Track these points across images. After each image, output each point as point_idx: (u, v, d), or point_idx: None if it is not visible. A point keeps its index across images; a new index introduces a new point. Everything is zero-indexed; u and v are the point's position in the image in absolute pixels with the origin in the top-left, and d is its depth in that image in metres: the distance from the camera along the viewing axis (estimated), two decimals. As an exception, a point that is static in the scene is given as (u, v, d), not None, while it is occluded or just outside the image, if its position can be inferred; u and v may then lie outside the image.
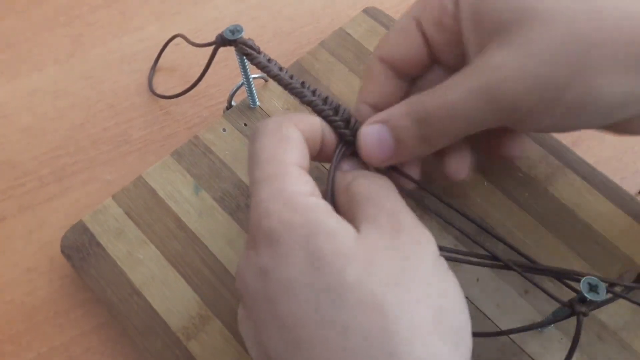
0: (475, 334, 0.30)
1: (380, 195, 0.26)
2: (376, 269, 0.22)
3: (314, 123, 0.28)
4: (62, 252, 0.36)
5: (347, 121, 0.30)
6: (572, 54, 0.24)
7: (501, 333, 0.32)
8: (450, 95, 0.26)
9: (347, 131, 0.29)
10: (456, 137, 0.28)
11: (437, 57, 0.31)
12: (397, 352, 0.21)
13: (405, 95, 0.32)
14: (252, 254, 0.24)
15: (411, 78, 0.32)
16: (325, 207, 0.25)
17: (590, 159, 0.38)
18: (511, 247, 0.30)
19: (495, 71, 0.25)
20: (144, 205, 0.37)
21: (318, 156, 0.29)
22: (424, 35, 0.30)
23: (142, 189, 0.38)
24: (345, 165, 0.29)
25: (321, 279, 0.22)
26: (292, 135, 0.27)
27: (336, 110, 0.30)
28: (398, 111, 0.28)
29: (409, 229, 0.24)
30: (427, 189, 0.30)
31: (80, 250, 0.36)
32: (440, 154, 0.31)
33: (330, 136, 0.29)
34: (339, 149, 0.29)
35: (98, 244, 0.36)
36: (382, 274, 0.22)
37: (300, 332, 0.22)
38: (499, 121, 0.26)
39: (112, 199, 0.37)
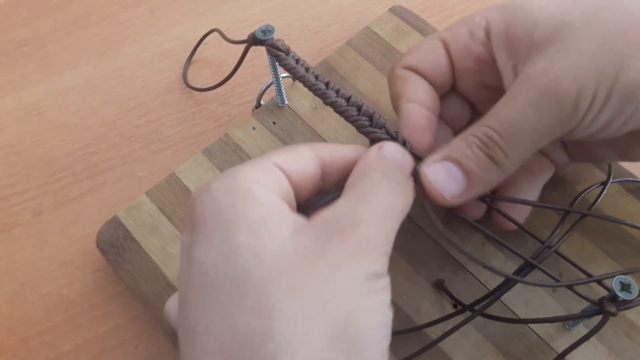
0: (498, 318, 0.31)
1: (366, 197, 0.25)
2: (283, 275, 0.22)
3: (346, 149, 0.28)
4: (98, 246, 0.37)
5: (370, 118, 0.30)
6: (615, 45, 0.25)
7: (522, 321, 0.32)
8: (510, 111, 0.26)
9: (372, 129, 0.30)
10: (525, 154, 0.27)
11: (456, 85, 0.32)
12: (273, 359, 0.20)
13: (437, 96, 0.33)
14: (185, 230, 0.25)
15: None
16: (266, 198, 0.24)
17: (618, 158, 0.38)
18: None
19: (544, 78, 0.26)
20: (176, 202, 0.38)
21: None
22: (449, 56, 0.31)
23: (175, 186, 0.39)
24: None
25: (229, 270, 0.22)
26: (297, 149, 0.27)
27: (359, 109, 0.31)
28: (460, 144, 0.28)
29: (355, 243, 0.23)
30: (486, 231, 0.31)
31: (116, 245, 0.37)
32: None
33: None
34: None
35: (133, 239, 0.37)
36: (287, 280, 0.22)
37: (197, 322, 0.22)
38: (561, 126, 0.26)
39: (145, 195, 0.38)
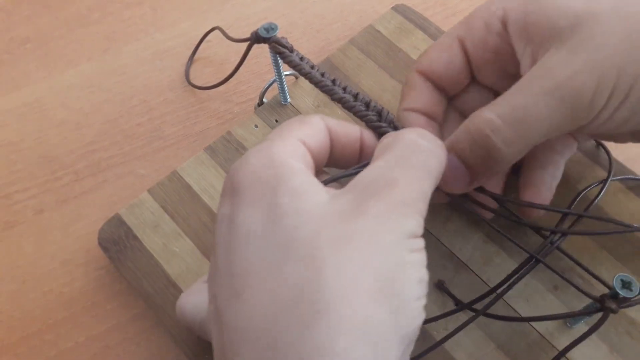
0: (500, 317, 0.31)
1: (402, 158, 0.25)
2: (328, 231, 0.22)
3: (350, 126, 0.29)
4: (100, 244, 0.37)
5: (379, 114, 0.30)
6: (636, 42, 0.25)
7: (524, 319, 0.32)
8: (520, 99, 0.26)
9: (381, 123, 0.30)
10: (529, 145, 0.27)
11: (477, 77, 0.32)
12: (325, 309, 0.21)
13: (444, 110, 0.33)
14: (226, 201, 0.25)
15: (448, 95, 0.33)
16: (301, 168, 0.25)
17: (620, 157, 0.38)
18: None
19: (564, 69, 0.25)
20: (178, 199, 0.38)
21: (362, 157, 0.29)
22: (465, 53, 0.31)
23: (177, 184, 0.39)
24: None
25: (276, 232, 0.23)
26: (312, 121, 0.27)
27: (367, 105, 0.31)
28: (459, 134, 0.28)
29: (394, 202, 0.23)
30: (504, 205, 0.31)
31: (117, 242, 0.37)
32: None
33: (371, 141, 0.29)
34: None
35: (135, 237, 0.37)
36: (332, 235, 0.22)
37: (243, 282, 0.22)
38: (572, 121, 0.26)
39: (147, 193, 0.38)
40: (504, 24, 0.30)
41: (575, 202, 0.35)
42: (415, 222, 0.24)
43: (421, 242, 0.24)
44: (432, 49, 0.32)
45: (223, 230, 0.24)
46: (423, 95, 0.32)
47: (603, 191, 0.35)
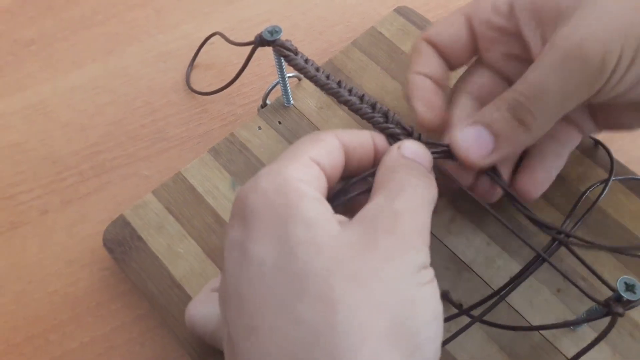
0: (507, 327, 0.31)
1: (399, 193, 0.25)
2: (343, 267, 0.22)
3: (363, 135, 0.29)
4: (104, 245, 0.37)
5: (385, 115, 0.30)
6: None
7: (533, 328, 0.32)
8: (536, 74, 0.28)
9: (388, 125, 0.30)
10: (552, 117, 0.29)
11: (483, 57, 0.33)
12: (340, 353, 0.21)
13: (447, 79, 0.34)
14: (236, 225, 0.25)
15: (452, 67, 0.35)
16: (313, 196, 0.24)
17: (621, 158, 0.38)
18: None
19: (572, 36, 0.26)
20: (183, 201, 0.38)
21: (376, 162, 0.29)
22: (471, 30, 0.32)
23: (181, 185, 0.39)
24: None
25: (289, 265, 0.22)
26: (325, 139, 0.27)
27: (373, 106, 0.31)
28: (490, 109, 0.29)
29: (401, 235, 0.24)
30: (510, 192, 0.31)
31: (122, 243, 0.37)
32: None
33: (383, 145, 0.29)
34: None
35: (139, 238, 0.37)
36: (347, 271, 0.22)
37: (257, 317, 0.22)
38: (586, 87, 0.27)
39: (152, 194, 0.38)
40: (511, 6, 0.31)
41: (580, 203, 0.35)
42: (423, 252, 0.24)
43: (431, 273, 0.24)
44: (440, 22, 0.34)
45: (234, 258, 0.24)
46: (431, 61, 0.33)
47: (606, 190, 0.35)
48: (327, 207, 0.25)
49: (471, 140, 0.29)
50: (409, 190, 0.25)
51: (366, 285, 0.22)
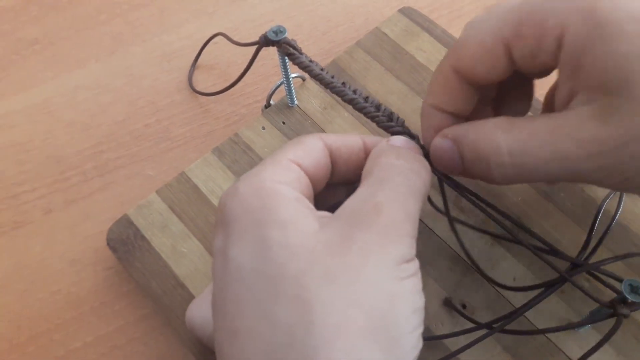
0: (512, 332, 0.31)
1: (383, 181, 0.25)
2: (317, 266, 0.22)
3: (350, 137, 0.28)
4: (108, 244, 0.37)
5: (389, 117, 0.30)
6: None
7: (538, 332, 0.33)
8: (535, 142, 0.25)
9: (392, 123, 0.30)
10: (519, 182, 0.27)
11: (520, 71, 0.28)
12: (316, 354, 0.21)
13: (474, 101, 0.30)
14: (218, 232, 0.25)
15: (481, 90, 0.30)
16: (290, 196, 0.24)
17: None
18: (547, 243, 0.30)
19: (584, 136, 0.24)
20: (186, 201, 0.38)
21: None
22: (510, 59, 0.27)
23: (185, 185, 0.39)
24: None
25: (264, 267, 0.22)
26: (306, 141, 0.27)
27: (377, 107, 0.31)
28: (469, 135, 0.27)
29: (380, 229, 0.23)
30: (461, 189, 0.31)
31: (126, 243, 0.37)
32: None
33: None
34: None
35: (143, 238, 0.37)
36: (320, 270, 0.22)
37: (237, 320, 0.22)
38: (569, 177, 0.25)
39: (156, 194, 0.38)
40: (560, 44, 0.24)
41: (599, 217, 0.35)
42: (404, 246, 0.24)
43: (413, 266, 0.24)
44: (471, 46, 0.27)
45: (218, 264, 0.24)
46: (454, 95, 0.29)
47: (622, 202, 0.35)
48: (307, 206, 0.24)
49: (443, 154, 0.28)
50: (394, 178, 0.25)
51: (341, 282, 0.22)
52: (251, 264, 0.23)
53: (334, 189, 0.30)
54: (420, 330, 0.24)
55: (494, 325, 0.31)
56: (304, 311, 0.21)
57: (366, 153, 0.28)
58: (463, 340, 0.32)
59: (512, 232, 0.29)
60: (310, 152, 0.27)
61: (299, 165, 0.26)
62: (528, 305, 0.30)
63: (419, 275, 0.24)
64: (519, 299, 0.34)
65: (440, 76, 0.29)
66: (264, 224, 0.23)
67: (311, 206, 0.25)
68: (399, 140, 0.28)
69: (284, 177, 0.25)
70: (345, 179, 0.29)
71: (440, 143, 0.28)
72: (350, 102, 0.32)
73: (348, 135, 0.29)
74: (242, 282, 0.23)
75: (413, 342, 0.23)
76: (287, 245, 0.22)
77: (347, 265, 0.22)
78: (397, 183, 0.25)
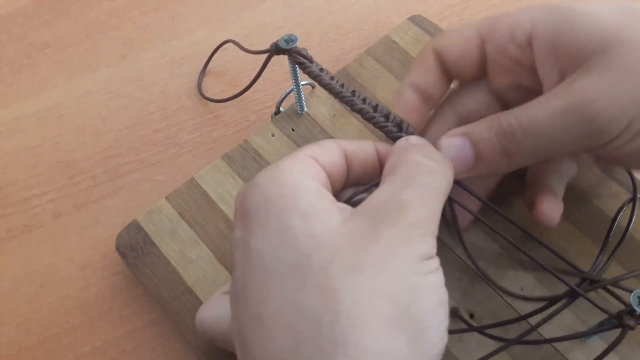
0: (519, 342, 0.31)
1: (410, 180, 0.25)
2: (342, 256, 0.22)
3: (364, 142, 0.29)
4: (117, 250, 0.38)
5: (399, 126, 0.30)
6: None
7: (545, 341, 0.32)
8: (539, 112, 0.27)
9: (401, 134, 0.30)
10: (538, 156, 0.28)
11: (490, 80, 0.32)
12: (344, 340, 0.21)
13: (446, 89, 0.34)
14: (238, 224, 0.25)
15: (457, 79, 0.34)
16: (311, 186, 0.25)
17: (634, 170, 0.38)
18: (559, 256, 0.30)
19: (587, 92, 0.26)
20: (196, 207, 0.38)
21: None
22: (483, 52, 0.31)
23: (195, 191, 0.39)
24: None
25: (288, 257, 0.23)
26: (324, 143, 0.28)
27: (387, 116, 0.31)
28: (481, 126, 0.28)
29: (405, 226, 0.23)
30: (487, 203, 0.31)
31: (135, 249, 0.37)
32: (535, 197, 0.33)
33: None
34: None
35: (152, 243, 0.37)
36: (347, 260, 0.22)
37: (263, 309, 0.23)
38: (585, 142, 0.27)
39: (165, 200, 0.39)
40: (529, 39, 0.29)
41: (612, 232, 0.35)
42: (427, 244, 0.24)
43: (435, 263, 0.25)
44: (452, 33, 0.32)
45: (239, 255, 0.24)
46: (430, 74, 0.32)
47: (635, 215, 0.35)
48: (328, 197, 0.25)
49: (454, 151, 0.28)
50: (420, 177, 0.25)
51: (367, 273, 0.22)
52: (274, 252, 0.23)
53: (342, 191, 0.30)
54: (445, 323, 0.24)
55: (499, 335, 0.31)
56: (330, 300, 0.22)
57: (379, 159, 0.29)
58: (470, 347, 0.32)
59: (523, 250, 0.30)
60: (327, 151, 0.27)
61: (316, 160, 0.26)
62: (543, 320, 0.30)
63: (441, 271, 0.25)
64: (527, 310, 0.34)
65: (421, 56, 0.33)
66: (286, 213, 0.23)
67: (332, 197, 0.25)
68: (418, 139, 0.29)
69: (303, 168, 0.25)
70: (357, 183, 0.29)
71: (451, 141, 0.29)
72: (359, 112, 0.32)
73: (363, 141, 0.29)
74: (266, 270, 0.23)
75: (439, 334, 0.23)
76: (312, 234, 0.23)
77: (373, 257, 0.22)
78: (425, 182, 0.25)
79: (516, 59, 0.30)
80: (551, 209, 0.33)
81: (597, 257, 0.33)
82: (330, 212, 0.24)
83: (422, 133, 0.32)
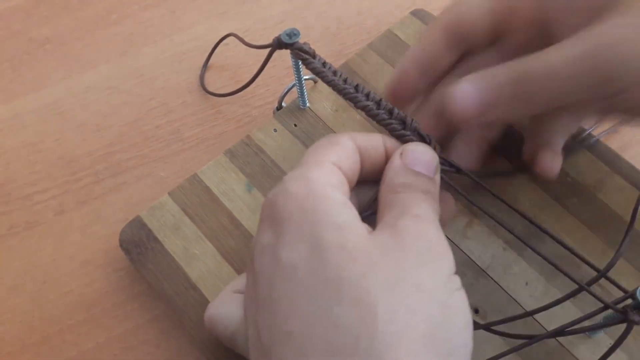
0: (524, 337, 0.31)
1: (415, 201, 0.26)
2: (377, 271, 0.22)
3: (376, 139, 0.29)
4: (121, 246, 0.37)
5: (402, 122, 0.30)
6: None
7: (549, 335, 0.32)
8: (554, 57, 0.27)
9: (405, 132, 0.30)
10: (550, 103, 0.28)
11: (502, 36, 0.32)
12: (380, 357, 0.21)
13: (451, 61, 0.33)
14: (266, 229, 0.25)
15: (464, 51, 0.33)
16: (341, 200, 0.25)
17: (638, 164, 0.38)
18: (568, 248, 0.30)
19: (603, 37, 0.26)
20: (199, 202, 0.38)
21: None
22: (495, 14, 0.31)
23: (197, 187, 0.39)
24: None
25: (322, 270, 0.22)
26: (341, 141, 0.27)
27: (390, 112, 0.31)
28: (493, 72, 0.28)
29: (428, 240, 0.24)
30: (474, 177, 0.31)
31: (138, 244, 0.37)
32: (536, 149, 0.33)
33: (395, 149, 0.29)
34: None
35: (155, 239, 0.37)
36: (382, 276, 0.22)
37: (292, 322, 0.22)
38: (599, 90, 0.26)
39: (168, 196, 0.39)
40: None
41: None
42: (450, 260, 0.25)
43: (459, 280, 0.25)
44: (461, 3, 0.32)
45: (266, 262, 0.24)
46: (435, 45, 0.32)
47: None
48: (355, 212, 0.25)
49: (464, 94, 0.28)
50: (412, 210, 0.25)
51: (401, 289, 0.22)
52: (307, 265, 0.23)
53: None
54: (470, 347, 0.24)
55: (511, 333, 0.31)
56: (368, 315, 0.21)
57: (386, 155, 0.29)
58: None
59: (527, 243, 0.30)
60: (347, 155, 0.27)
61: (340, 168, 0.26)
62: (556, 332, 0.30)
63: (464, 290, 0.25)
64: (531, 304, 0.34)
65: (429, 27, 0.33)
66: (318, 226, 0.23)
67: (355, 211, 0.25)
68: (412, 156, 0.28)
69: (331, 180, 0.25)
70: (365, 180, 0.29)
71: (463, 86, 0.29)
72: (362, 109, 0.31)
73: (372, 136, 0.29)
74: (298, 282, 0.23)
75: (466, 356, 0.23)
76: (345, 248, 0.23)
77: (405, 273, 0.22)
78: (419, 212, 0.25)
79: (531, 16, 0.30)
80: (551, 162, 0.33)
81: (614, 257, 0.32)
82: (358, 226, 0.24)
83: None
